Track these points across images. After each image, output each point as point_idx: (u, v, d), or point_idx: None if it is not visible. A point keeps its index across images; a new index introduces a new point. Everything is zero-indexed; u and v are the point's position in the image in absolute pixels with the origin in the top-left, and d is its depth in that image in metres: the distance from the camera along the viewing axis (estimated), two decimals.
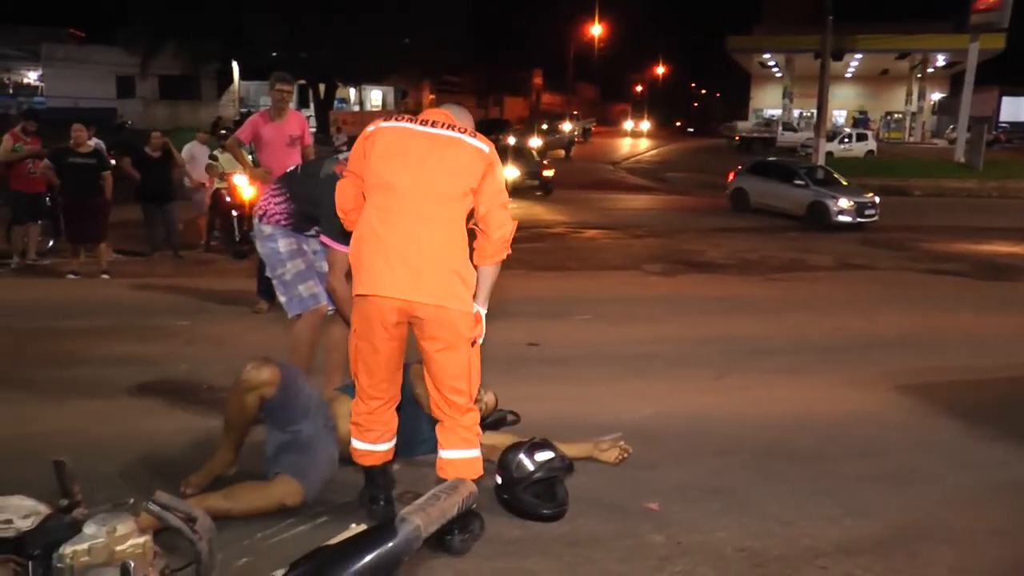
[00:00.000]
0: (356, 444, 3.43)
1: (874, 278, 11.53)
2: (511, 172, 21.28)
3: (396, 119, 3.33)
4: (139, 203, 11.36)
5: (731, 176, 21.10)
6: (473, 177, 3.22)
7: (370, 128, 3.33)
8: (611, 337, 7.19)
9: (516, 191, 20.84)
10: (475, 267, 3.30)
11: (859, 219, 17.34)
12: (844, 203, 17.37)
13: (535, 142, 36.45)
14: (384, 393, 3.36)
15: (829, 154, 29.24)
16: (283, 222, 4.42)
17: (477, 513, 3.30)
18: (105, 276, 9.64)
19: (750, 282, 10.84)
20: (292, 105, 7.50)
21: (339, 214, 3.55)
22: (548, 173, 22.85)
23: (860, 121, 49.59)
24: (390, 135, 3.25)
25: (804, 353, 6.76)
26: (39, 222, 10.58)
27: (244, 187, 11.25)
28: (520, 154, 23.56)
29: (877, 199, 17.95)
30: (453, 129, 3.27)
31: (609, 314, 8.17)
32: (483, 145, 3.27)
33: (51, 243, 11.17)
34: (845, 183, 18.89)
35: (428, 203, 3.18)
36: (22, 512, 1.80)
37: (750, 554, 3.32)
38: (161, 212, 11.28)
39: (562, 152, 37.99)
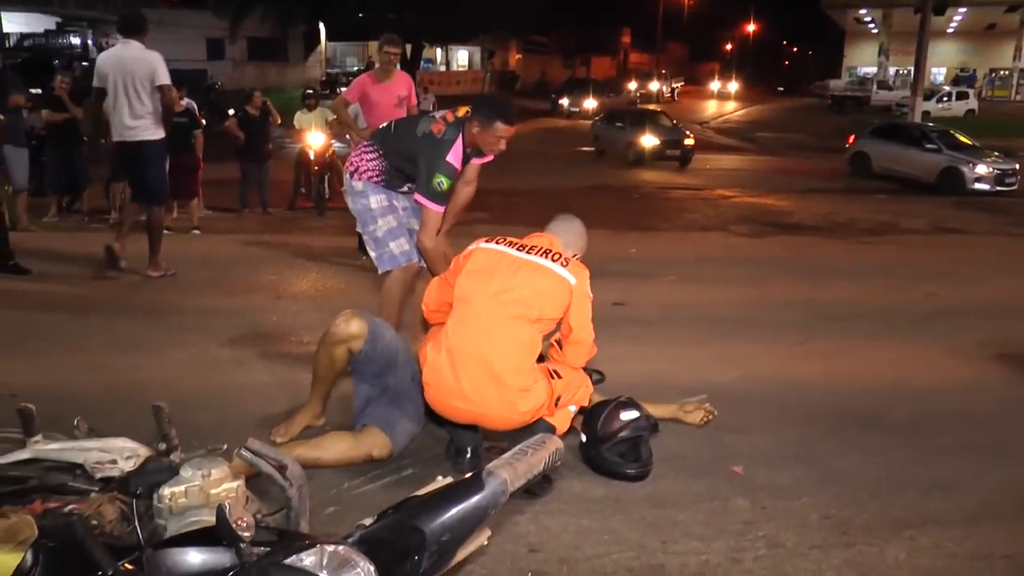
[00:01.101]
0: None
1: (970, 243, 11.10)
2: (649, 140, 20.57)
3: (497, 241, 3.49)
4: (238, 161, 11.64)
5: (851, 140, 20.07)
6: (553, 307, 3.36)
7: (471, 246, 3.52)
8: (697, 298, 7.08)
9: (653, 160, 20.30)
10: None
11: (998, 187, 16.16)
12: (982, 169, 16.26)
13: (590, 103, 35.99)
14: None
15: (926, 113, 28.11)
16: (375, 179, 4.44)
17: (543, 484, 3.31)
18: (196, 231, 9.93)
19: (839, 245, 10.55)
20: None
21: (422, 307, 3.73)
22: (689, 142, 21.31)
23: (963, 79, 47.45)
24: (483, 255, 3.44)
25: (894, 319, 6.55)
26: None
27: (319, 146, 11.43)
28: (658, 120, 22.38)
29: (1016, 166, 16.64)
30: (548, 256, 3.40)
31: (695, 275, 8.05)
32: (571, 277, 3.37)
33: None
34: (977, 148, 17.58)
35: (498, 320, 3.30)
36: (125, 453, 1.86)
37: (835, 522, 3.25)
38: (259, 171, 11.55)
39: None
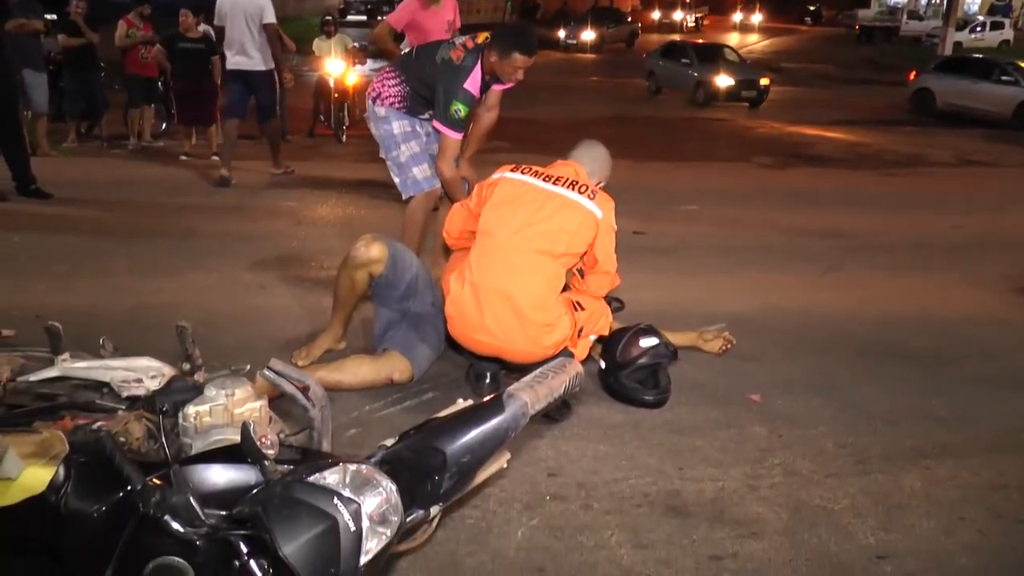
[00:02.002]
0: None
1: (998, 176, 10.93)
2: (724, 80, 18.84)
3: (522, 171, 3.42)
4: None
5: (912, 76, 18.99)
6: (579, 241, 3.34)
7: (495, 175, 3.45)
8: (718, 228, 7.04)
9: (726, 102, 18.77)
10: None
11: None
12: None
13: (588, 35, 34.62)
14: None
15: (958, 44, 27.28)
16: (397, 105, 4.42)
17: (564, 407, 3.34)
18: (215, 158, 9.88)
19: (864, 176, 10.41)
20: None
21: (443, 234, 3.71)
22: (765, 82, 19.40)
23: (998, 8, 46.02)
24: (509, 186, 3.37)
25: (918, 250, 6.49)
26: (152, 105, 10.89)
27: (339, 73, 11.31)
28: (727, 56, 20.63)
29: None
30: (575, 188, 3.35)
31: (717, 205, 7.99)
32: (597, 210, 3.34)
33: (164, 126, 11.49)
34: None
35: (523, 254, 3.28)
36: (150, 373, 1.89)
37: (852, 451, 3.26)
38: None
39: (623, 45, 36.55)
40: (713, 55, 20.57)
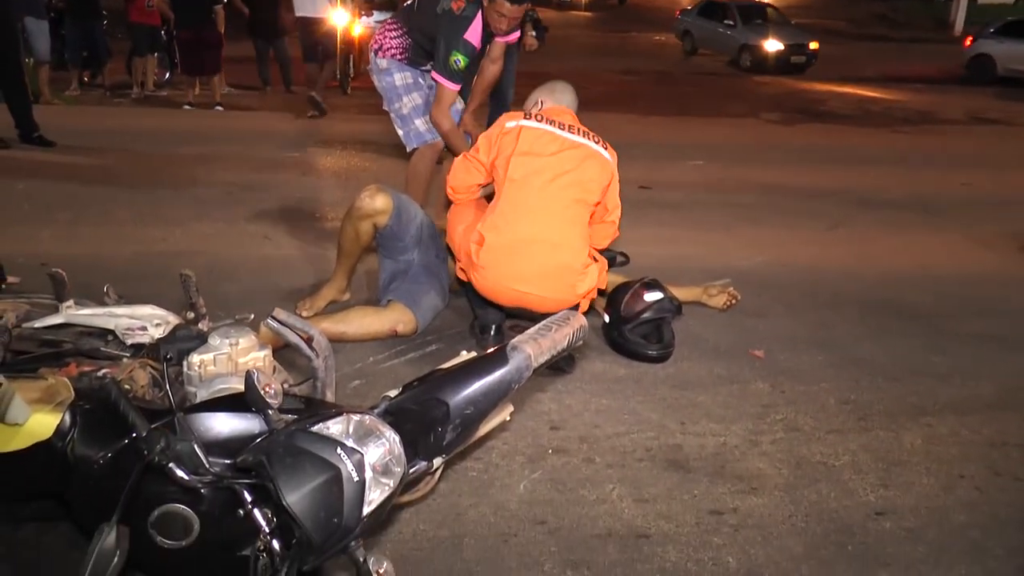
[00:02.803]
0: None
1: (1009, 134, 10.81)
2: (773, 44, 17.43)
3: (536, 119, 3.35)
4: (250, 38, 11.43)
5: (968, 41, 17.79)
6: (600, 189, 3.34)
7: (510, 124, 3.35)
8: (724, 183, 7.00)
9: (775, 69, 17.35)
10: None
11: None
12: None
13: None
14: None
15: (972, 1, 26.80)
16: (399, 56, 4.39)
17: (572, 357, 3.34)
18: (219, 108, 9.85)
19: (873, 134, 10.33)
20: None
21: (447, 189, 3.58)
22: (814, 46, 17.98)
23: None
24: (532, 135, 3.29)
25: (925, 208, 6.45)
26: (156, 54, 10.80)
27: (344, 24, 11.20)
28: (772, 17, 19.05)
29: None
30: (588, 137, 3.35)
31: (723, 160, 7.94)
32: (610, 157, 3.38)
33: (168, 75, 11.41)
34: None
35: (560, 204, 3.25)
36: (154, 321, 1.88)
37: (854, 407, 3.27)
38: (271, 47, 11.34)
39: (616, 2, 35.64)
40: (758, 15, 18.94)
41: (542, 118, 3.36)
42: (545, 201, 3.23)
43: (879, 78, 16.50)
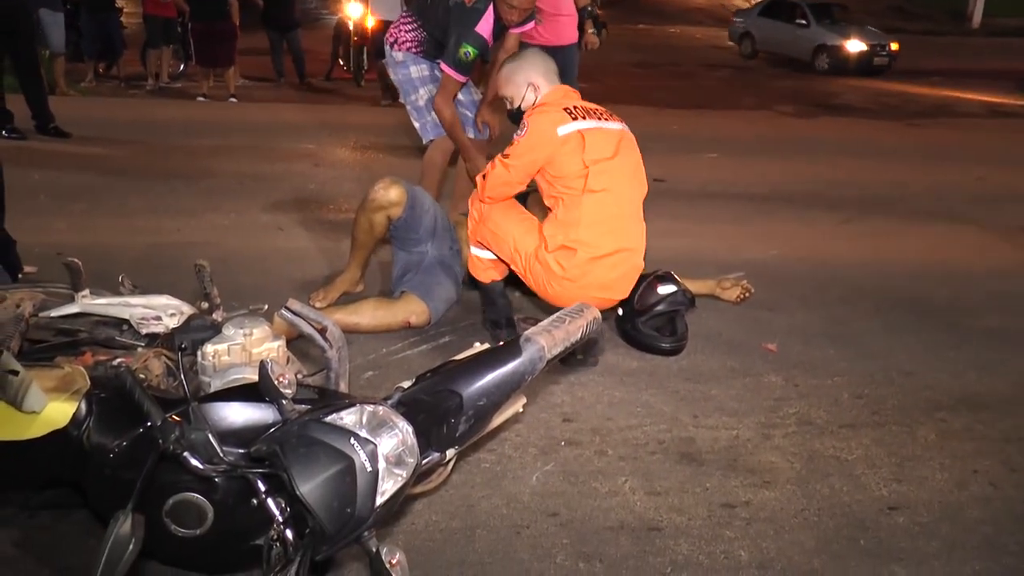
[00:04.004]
0: (476, 252, 3.46)
1: None
2: (856, 45, 16.32)
3: (583, 117, 3.18)
4: (264, 30, 11.46)
5: None
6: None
7: (564, 130, 3.11)
8: (738, 176, 6.97)
9: (855, 71, 16.33)
10: None
11: None
12: None
13: None
14: None
15: None
16: (414, 49, 4.40)
17: (597, 339, 3.33)
18: (233, 100, 9.88)
19: (888, 127, 10.26)
20: None
21: (485, 198, 3.32)
22: (895, 46, 16.87)
23: None
24: (594, 140, 3.14)
25: (940, 202, 6.41)
26: (171, 46, 10.83)
27: (358, 16, 11.22)
28: (854, 20, 17.68)
29: None
30: (614, 118, 3.30)
31: (738, 153, 7.91)
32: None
33: (182, 67, 11.45)
34: None
35: (637, 203, 3.29)
36: (168, 311, 1.90)
37: (867, 401, 3.25)
38: (285, 39, 11.36)
39: None
40: (831, 13, 17.54)
41: (586, 114, 3.21)
42: (626, 208, 3.22)
43: (895, 71, 16.38)
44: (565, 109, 3.17)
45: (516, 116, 3.38)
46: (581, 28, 6.04)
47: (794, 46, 17.07)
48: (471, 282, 3.61)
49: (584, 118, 3.17)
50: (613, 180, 3.16)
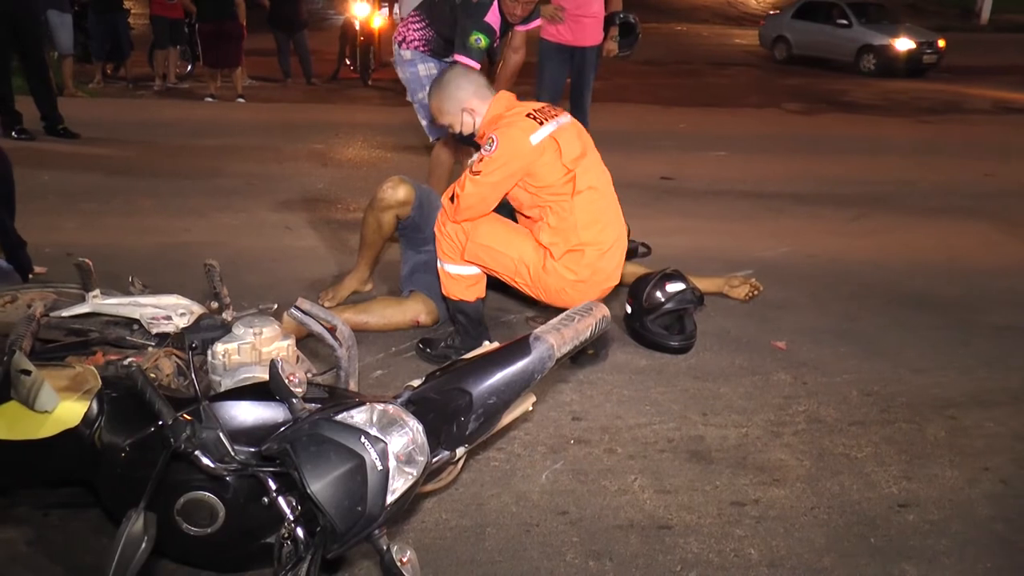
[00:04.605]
0: (457, 270, 3.35)
1: None
2: (904, 43, 15.49)
3: (544, 120, 3.09)
4: (271, 31, 11.49)
5: None
6: None
7: (536, 138, 3.03)
8: (746, 173, 6.95)
9: (905, 71, 15.62)
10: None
11: None
12: None
13: None
14: None
15: None
16: (422, 48, 4.41)
17: (607, 340, 3.33)
18: (241, 100, 9.91)
19: (897, 123, 10.23)
20: None
21: (457, 219, 3.14)
22: (942, 43, 16.02)
23: None
24: (564, 141, 3.09)
25: (950, 199, 6.38)
26: (178, 47, 10.86)
27: (364, 16, 11.23)
28: (888, 15, 17.04)
29: None
30: (563, 114, 3.21)
31: (745, 151, 7.89)
32: None
33: (189, 68, 11.48)
34: None
35: (613, 193, 3.27)
36: (179, 310, 1.90)
37: (877, 399, 3.24)
38: (291, 40, 11.38)
39: None
40: (873, 11, 16.70)
41: (545, 116, 3.13)
42: (609, 199, 3.22)
43: (943, 69, 16.17)
44: (529, 115, 3.08)
45: (467, 139, 3.28)
46: (605, 33, 5.98)
47: (835, 48, 16.21)
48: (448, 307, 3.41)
49: (547, 120, 3.10)
50: (594, 175, 3.16)
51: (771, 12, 19.17)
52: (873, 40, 15.67)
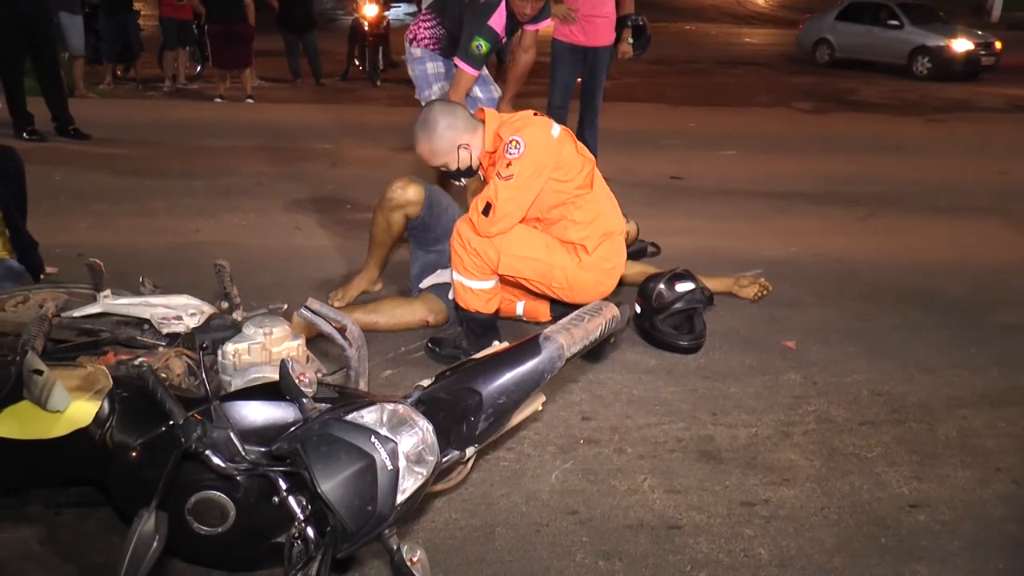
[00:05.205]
0: (477, 284, 3.29)
1: None
2: (962, 44, 14.80)
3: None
4: (280, 32, 11.51)
5: None
6: None
7: (556, 132, 3.08)
8: (756, 173, 6.94)
9: (962, 74, 15.02)
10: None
11: None
12: None
13: None
14: None
15: None
16: (432, 46, 4.42)
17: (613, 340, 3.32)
18: (250, 100, 9.94)
19: (907, 122, 10.19)
20: None
21: (491, 232, 3.02)
22: (999, 44, 15.40)
23: None
24: (565, 140, 3.13)
25: (961, 197, 6.35)
26: (187, 48, 10.90)
27: (374, 16, 11.24)
28: (939, 16, 16.22)
29: None
30: (541, 115, 3.20)
31: (755, 150, 7.88)
32: None
33: (199, 69, 11.53)
34: None
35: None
36: (189, 310, 1.91)
37: (887, 399, 3.22)
38: (300, 40, 11.41)
39: None
40: (923, 13, 15.90)
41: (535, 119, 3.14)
42: (607, 189, 3.33)
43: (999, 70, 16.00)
44: (535, 114, 3.15)
45: (469, 172, 3.22)
46: (619, 34, 5.98)
47: (885, 50, 15.42)
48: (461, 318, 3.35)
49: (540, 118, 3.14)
50: (593, 173, 3.23)
51: (808, 16, 18.26)
52: (928, 41, 14.95)
